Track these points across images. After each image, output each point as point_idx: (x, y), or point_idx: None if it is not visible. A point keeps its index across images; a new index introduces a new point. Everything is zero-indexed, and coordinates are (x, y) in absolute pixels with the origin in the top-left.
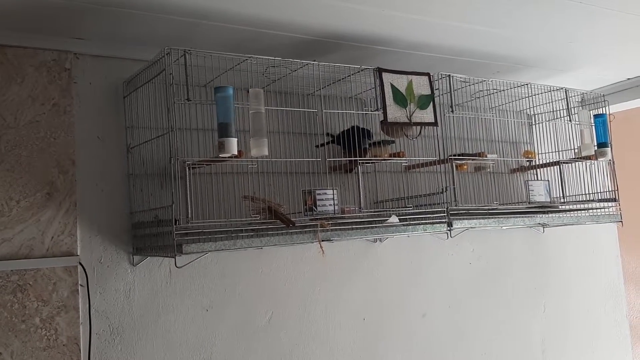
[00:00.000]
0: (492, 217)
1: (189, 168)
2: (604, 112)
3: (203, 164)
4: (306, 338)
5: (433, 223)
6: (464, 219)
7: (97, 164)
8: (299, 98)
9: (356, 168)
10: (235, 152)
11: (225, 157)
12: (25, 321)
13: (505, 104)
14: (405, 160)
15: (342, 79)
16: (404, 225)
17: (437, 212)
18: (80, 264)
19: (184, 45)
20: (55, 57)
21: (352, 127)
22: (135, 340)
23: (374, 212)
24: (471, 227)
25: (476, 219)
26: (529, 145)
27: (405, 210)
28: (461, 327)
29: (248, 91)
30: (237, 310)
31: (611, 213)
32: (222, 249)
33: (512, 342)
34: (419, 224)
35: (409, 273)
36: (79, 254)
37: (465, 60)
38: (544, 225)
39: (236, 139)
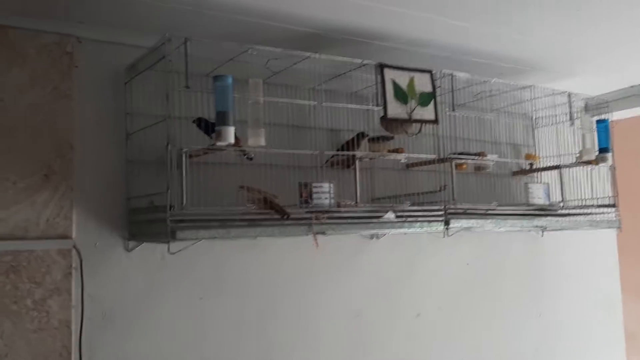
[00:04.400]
0: (490, 218)
1: (185, 156)
2: (607, 118)
3: (200, 153)
4: (297, 331)
5: (430, 221)
6: (461, 218)
7: (96, 148)
8: (301, 92)
9: (354, 164)
10: (232, 141)
11: (222, 146)
12: (17, 302)
13: (508, 105)
14: (404, 156)
15: (344, 73)
16: (400, 222)
17: (434, 211)
18: (74, 247)
19: (186, 33)
20: (57, 40)
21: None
22: (127, 326)
23: (371, 207)
24: (468, 227)
25: (474, 219)
26: (530, 148)
27: (402, 207)
28: (455, 329)
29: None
30: (230, 300)
31: (610, 219)
32: (216, 237)
33: (505, 346)
34: (415, 221)
35: (405, 271)
36: (73, 237)
37: (468, 60)
38: (542, 229)
39: (233, 128)
